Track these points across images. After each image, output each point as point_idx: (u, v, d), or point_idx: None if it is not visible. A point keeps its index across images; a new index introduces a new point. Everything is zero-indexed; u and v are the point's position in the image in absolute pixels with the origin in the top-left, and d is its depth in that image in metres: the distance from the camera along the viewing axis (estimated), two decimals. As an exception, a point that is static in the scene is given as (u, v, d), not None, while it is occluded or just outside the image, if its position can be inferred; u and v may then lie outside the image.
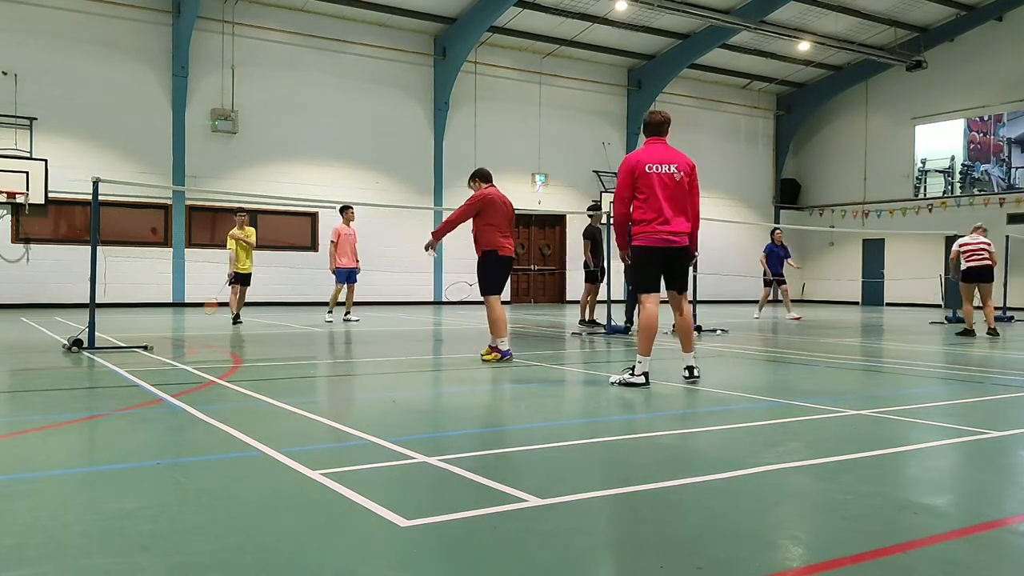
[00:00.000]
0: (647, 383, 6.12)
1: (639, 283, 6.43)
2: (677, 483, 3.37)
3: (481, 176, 8.42)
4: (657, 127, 6.43)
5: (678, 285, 6.53)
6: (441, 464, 3.64)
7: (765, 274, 17.01)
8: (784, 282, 16.96)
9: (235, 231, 13.71)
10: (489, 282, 8.14)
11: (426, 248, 8.42)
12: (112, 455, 4.04)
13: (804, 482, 3.49)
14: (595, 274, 13.39)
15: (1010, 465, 3.93)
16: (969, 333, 12.33)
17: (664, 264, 6.37)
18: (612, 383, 6.22)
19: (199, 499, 3.14)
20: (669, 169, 6.25)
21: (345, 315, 13.98)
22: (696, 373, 6.40)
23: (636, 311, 12.27)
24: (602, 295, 13.01)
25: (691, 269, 12.65)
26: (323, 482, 3.33)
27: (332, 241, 13.86)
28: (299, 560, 2.47)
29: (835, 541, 2.71)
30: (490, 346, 8.09)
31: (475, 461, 3.73)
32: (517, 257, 8.66)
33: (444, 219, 8.43)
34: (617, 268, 12.99)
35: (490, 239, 8.07)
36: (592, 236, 13.53)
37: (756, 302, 17.85)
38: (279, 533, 2.73)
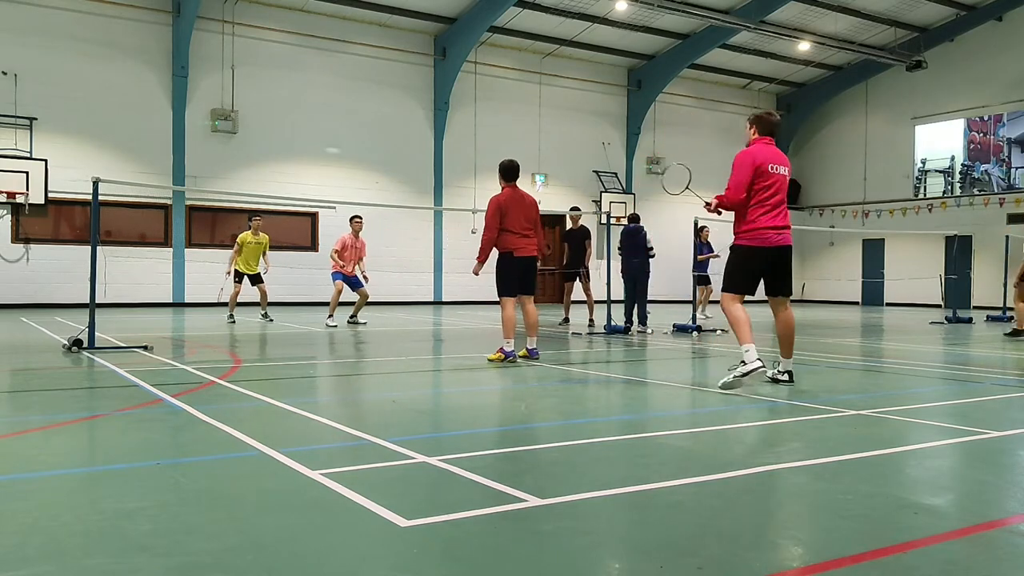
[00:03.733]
0: (762, 364, 6.03)
1: (733, 283, 6.31)
2: (677, 483, 3.37)
3: (503, 172, 8.21)
4: (774, 127, 6.53)
5: (784, 288, 6.45)
6: (441, 464, 3.64)
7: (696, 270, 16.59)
8: (708, 282, 16.56)
9: (247, 235, 13.90)
10: (499, 283, 8.09)
11: (475, 272, 8.25)
12: (112, 455, 4.04)
13: (804, 482, 3.49)
14: (572, 274, 14.00)
15: (1010, 465, 3.93)
16: (1018, 333, 12.01)
17: (767, 266, 6.33)
18: (725, 383, 6.02)
19: (199, 499, 3.14)
20: (784, 171, 6.37)
21: (351, 317, 13.51)
22: (793, 378, 6.37)
23: (635, 311, 12.47)
24: (600, 295, 13.05)
25: (692, 269, 12.84)
26: (323, 482, 3.32)
27: (336, 250, 13.31)
28: (299, 560, 2.47)
29: (835, 541, 2.71)
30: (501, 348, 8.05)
31: (475, 461, 3.73)
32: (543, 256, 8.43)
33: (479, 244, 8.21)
34: (616, 268, 13.07)
35: (505, 241, 8.01)
36: (565, 238, 14.42)
37: (756, 302, 17.67)
38: (279, 533, 2.73)
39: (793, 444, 4.27)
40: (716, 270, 16.53)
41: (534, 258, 8.20)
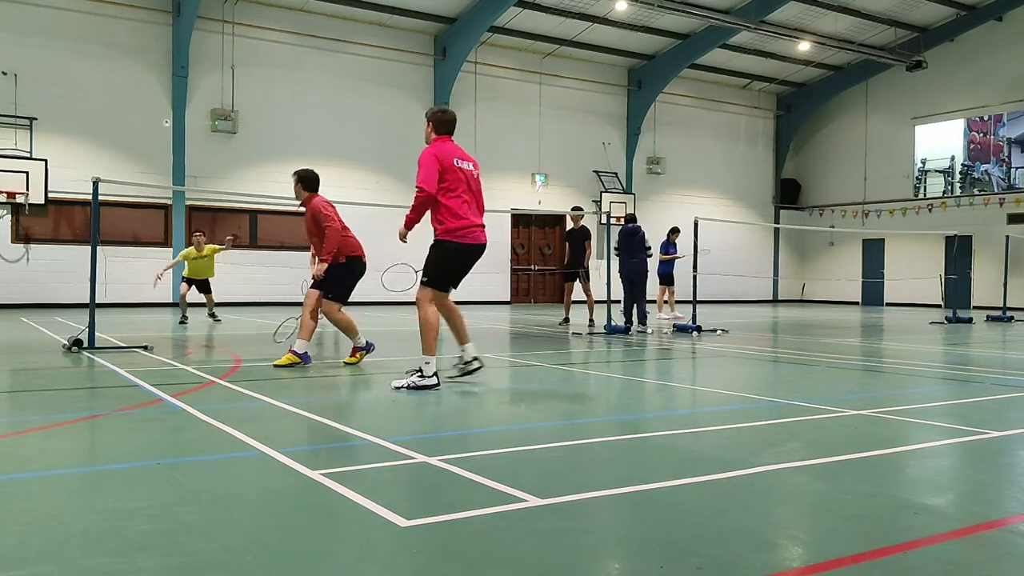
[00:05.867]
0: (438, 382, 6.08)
1: (441, 281, 6.18)
2: (677, 483, 3.37)
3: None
4: (452, 125, 6.28)
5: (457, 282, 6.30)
6: (441, 464, 3.64)
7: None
8: (672, 282, 16.70)
9: (191, 250, 14.06)
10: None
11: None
12: (112, 455, 4.04)
13: (804, 482, 3.49)
14: (572, 275, 14.11)
15: (1010, 465, 3.93)
16: None
17: (466, 265, 6.22)
18: (396, 386, 6.05)
19: (199, 499, 3.14)
20: (469, 166, 6.21)
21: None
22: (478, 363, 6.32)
23: (633, 311, 12.52)
24: (600, 295, 13.07)
25: (691, 269, 12.88)
26: (323, 482, 3.32)
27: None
28: (299, 560, 2.47)
29: (835, 541, 2.71)
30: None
31: (475, 461, 3.73)
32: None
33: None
34: (614, 268, 13.11)
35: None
36: (565, 238, 14.59)
37: (756, 302, 17.81)
38: (279, 533, 2.73)
39: (793, 444, 4.26)
40: (678, 271, 16.97)
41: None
